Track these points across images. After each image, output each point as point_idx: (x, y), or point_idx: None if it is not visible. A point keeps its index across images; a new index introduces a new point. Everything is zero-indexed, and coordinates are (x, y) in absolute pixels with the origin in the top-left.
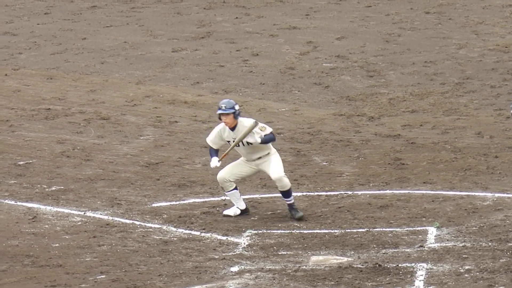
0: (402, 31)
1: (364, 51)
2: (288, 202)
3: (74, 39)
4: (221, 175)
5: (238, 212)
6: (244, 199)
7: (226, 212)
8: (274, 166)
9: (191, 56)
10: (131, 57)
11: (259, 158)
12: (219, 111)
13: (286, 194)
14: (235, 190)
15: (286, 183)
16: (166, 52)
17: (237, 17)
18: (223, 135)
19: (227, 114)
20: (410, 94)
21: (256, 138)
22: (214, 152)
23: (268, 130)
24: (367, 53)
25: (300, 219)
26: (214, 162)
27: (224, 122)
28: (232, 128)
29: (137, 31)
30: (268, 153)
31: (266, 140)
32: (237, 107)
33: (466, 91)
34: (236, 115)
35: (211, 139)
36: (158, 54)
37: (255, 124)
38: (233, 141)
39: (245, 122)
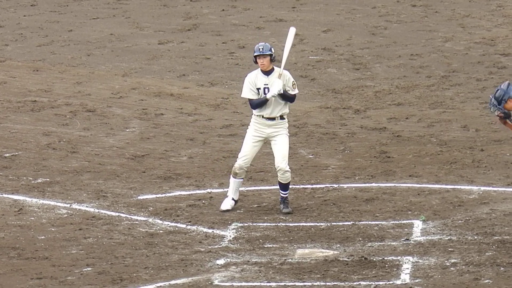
0: (388, 24)
1: (350, 44)
2: (284, 195)
3: (61, 31)
4: (242, 163)
5: (233, 203)
6: None
7: (224, 207)
8: (283, 152)
9: (177, 48)
10: (117, 49)
11: (274, 120)
12: (257, 53)
13: (285, 187)
14: (242, 179)
15: (289, 176)
16: (152, 44)
17: (223, 10)
18: (256, 82)
19: (265, 56)
20: (396, 87)
21: (281, 89)
22: (260, 99)
23: (296, 91)
24: (353, 46)
25: (287, 214)
26: (277, 85)
27: (261, 65)
28: (266, 73)
29: (124, 23)
30: (284, 120)
31: (289, 97)
32: (273, 51)
33: (452, 84)
34: (272, 57)
35: (247, 91)
36: (144, 46)
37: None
38: (266, 88)
39: (286, 73)
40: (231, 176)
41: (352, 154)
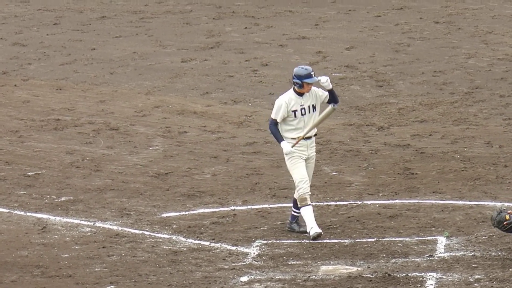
0: (411, 41)
1: (373, 61)
2: (296, 215)
3: (83, 49)
4: (306, 186)
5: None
6: (253, 209)
7: (317, 233)
8: (310, 175)
9: (200, 66)
10: (140, 67)
11: (311, 138)
12: (310, 80)
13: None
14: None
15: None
16: (175, 62)
17: (246, 27)
18: (289, 106)
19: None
20: (420, 104)
21: (325, 85)
22: (279, 133)
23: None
24: (376, 63)
25: (305, 232)
26: (288, 147)
27: (307, 90)
28: (301, 94)
29: (146, 42)
30: (315, 134)
31: (334, 92)
32: None
33: (476, 101)
34: None
35: (280, 114)
36: (167, 64)
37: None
38: (301, 108)
39: (317, 89)
40: (302, 210)
41: (376, 171)
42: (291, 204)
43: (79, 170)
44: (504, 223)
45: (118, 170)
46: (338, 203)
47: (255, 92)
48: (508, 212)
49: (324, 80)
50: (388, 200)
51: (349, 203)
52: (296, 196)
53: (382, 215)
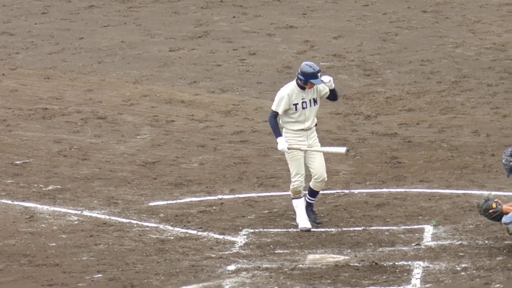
0: (399, 30)
1: (361, 50)
2: (312, 201)
3: (71, 38)
4: (302, 180)
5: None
6: (240, 198)
7: (307, 226)
8: (323, 162)
9: (188, 55)
10: (128, 56)
11: (312, 130)
12: (315, 81)
13: (316, 193)
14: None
15: (324, 185)
16: (163, 52)
17: (234, 16)
18: (291, 99)
19: None
20: (407, 93)
21: (328, 85)
22: (278, 127)
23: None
24: (364, 52)
25: (320, 223)
26: (283, 145)
27: (309, 87)
28: (303, 88)
29: (134, 31)
30: (316, 125)
31: (335, 91)
32: None
33: (463, 90)
34: None
35: (282, 107)
36: (155, 54)
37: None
38: (302, 102)
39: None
40: (294, 201)
41: (363, 159)
42: (278, 193)
43: (66, 159)
44: (490, 211)
45: (105, 159)
46: (325, 192)
47: (243, 81)
48: (495, 200)
49: (327, 80)
50: (375, 189)
51: (336, 192)
52: (290, 187)
53: (369, 204)
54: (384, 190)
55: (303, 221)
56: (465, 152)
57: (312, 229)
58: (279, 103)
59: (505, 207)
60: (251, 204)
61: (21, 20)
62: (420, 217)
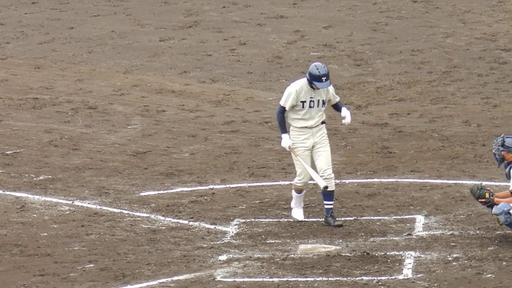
0: (389, 20)
1: (351, 40)
2: (329, 206)
3: (62, 28)
4: (306, 179)
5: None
6: (231, 188)
7: (300, 218)
8: (329, 159)
9: (179, 45)
10: (119, 46)
11: (317, 128)
12: (319, 85)
13: (330, 195)
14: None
15: (333, 183)
16: (153, 41)
17: (224, 6)
18: (299, 96)
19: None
20: (398, 83)
21: (336, 98)
22: (284, 123)
23: (338, 98)
24: (354, 42)
25: (340, 226)
26: (286, 142)
27: (315, 88)
28: (312, 86)
29: (125, 21)
30: (324, 124)
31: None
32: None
33: (453, 80)
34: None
35: (289, 102)
36: (145, 43)
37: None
38: (310, 101)
39: None
40: (293, 192)
41: (354, 149)
42: (270, 183)
43: (57, 149)
44: (482, 200)
45: (96, 149)
46: (316, 182)
47: (233, 71)
48: (488, 189)
49: (347, 122)
50: (367, 179)
51: None
52: (293, 182)
53: (361, 194)
54: (375, 180)
55: (297, 210)
56: (456, 142)
57: (304, 219)
58: (287, 99)
59: (497, 198)
60: (242, 194)
61: (11, 9)
62: (412, 207)
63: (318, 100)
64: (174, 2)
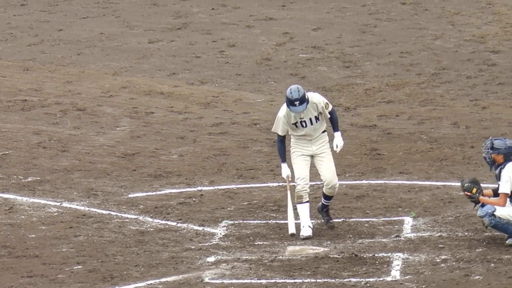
0: (378, 22)
1: (340, 42)
2: (326, 204)
3: (51, 30)
4: (304, 184)
5: (311, 229)
6: (220, 190)
7: (306, 234)
8: (332, 168)
9: (167, 47)
10: (108, 48)
11: (316, 138)
12: (293, 109)
13: (330, 197)
14: (308, 202)
15: (337, 189)
16: (142, 43)
17: (213, 8)
18: (289, 119)
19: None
20: (386, 85)
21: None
22: (283, 152)
23: (330, 108)
24: (343, 44)
25: (332, 228)
26: (285, 171)
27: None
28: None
29: (113, 23)
30: (325, 133)
31: (335, 119)
32: (306, 96)
33: (442, 82)
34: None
35: (281, 128)
36: (134, 45)
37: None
38: (301, 121)
39: (313, 98)
40: (296, 204)
41: (343, 151)
42: (258, 185)
43: (46, 151)
44: (468, 193)
45: (85, 151)
46: None
47: (222, 73)
48: (478, 187)
49: (339, 149)
50: (355, 180)
51: (316, 184)
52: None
53: (349, 195)
54: (364, 182)
55: (305, 228)
56: (445, 144)
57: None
58: (277, 125)
59: (481, 197)
60: (231, 195)
61: (0, 12)
62: (400, 209)
63: (310, 119)
64: (163, 4)
